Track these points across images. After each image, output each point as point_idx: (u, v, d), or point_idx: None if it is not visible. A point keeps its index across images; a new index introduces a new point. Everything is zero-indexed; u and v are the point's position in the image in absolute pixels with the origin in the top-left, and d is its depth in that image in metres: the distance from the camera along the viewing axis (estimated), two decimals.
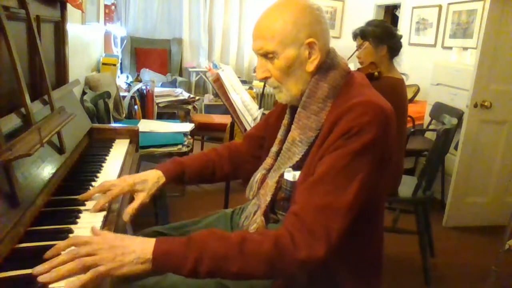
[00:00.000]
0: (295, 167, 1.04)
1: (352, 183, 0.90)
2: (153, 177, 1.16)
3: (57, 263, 0.77)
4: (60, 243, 0.83)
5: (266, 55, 1.01)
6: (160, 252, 0.83)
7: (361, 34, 2.25)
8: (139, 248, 0.83)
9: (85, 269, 0.77)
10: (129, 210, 1.09)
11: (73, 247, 0.82)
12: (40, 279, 0.75)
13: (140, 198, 1.12)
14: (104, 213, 1.08)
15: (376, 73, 2.02)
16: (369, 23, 2.27)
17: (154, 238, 0.85)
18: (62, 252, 0.81)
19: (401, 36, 2.27)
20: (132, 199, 1.18)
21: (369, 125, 0.90)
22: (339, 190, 0.89)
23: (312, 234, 0.87)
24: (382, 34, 2.20)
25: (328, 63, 1.03)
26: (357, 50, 2.27)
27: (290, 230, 0.88)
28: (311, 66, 1.01)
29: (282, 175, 1.07)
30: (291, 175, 1.04)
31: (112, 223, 1.07)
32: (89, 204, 1.11)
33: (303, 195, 0.93)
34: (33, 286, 0.76)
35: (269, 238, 0.87)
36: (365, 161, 0.91)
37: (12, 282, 0.77)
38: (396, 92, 2.13)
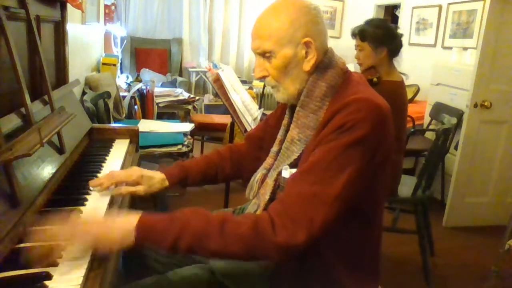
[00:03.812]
0: (292, 165, 1.05)
1: (340, 175, 0.90)
2: (159, 178, 1.22)
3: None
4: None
5: (264, 54, 1.02)
6: (143, 225, 0.89)
7: (360, 35, 2.13)
8: (123, 220, 0.91)
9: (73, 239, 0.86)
10: (123, 190, 1.17)
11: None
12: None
13: (139, 188, 1.19)
14: (104, 212, 1.08)
15: (375, 79, 1.97)
16: (369, 23, 2.14)
17: (140, 213, 0.91)
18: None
19: (402, 36, 2.15)
20: (132, 203, 1.20)
21: (363, 121, 0.91)
22: (326, 181, 0.90)
23: (293, 220, 0.88)
24: (383, 36, 2.08)
25: (326, 62, 1.03)
26: (356, 50, 2.18)
27: (271, 214, 0.90)
28: (308, 65, 1.02)
29: (280, 173, 1.07)
30: (288, 173, 1.05)
31: None
32: (90, 204, 1.12)
33: (291, 184, 0.95)
34: (33, 286, 0.76)
35: (249, 220, 0.90)
36: (355, 155, 0.91)
37: (12, 282, 0.77)
38: (396, 96, 2.06)
